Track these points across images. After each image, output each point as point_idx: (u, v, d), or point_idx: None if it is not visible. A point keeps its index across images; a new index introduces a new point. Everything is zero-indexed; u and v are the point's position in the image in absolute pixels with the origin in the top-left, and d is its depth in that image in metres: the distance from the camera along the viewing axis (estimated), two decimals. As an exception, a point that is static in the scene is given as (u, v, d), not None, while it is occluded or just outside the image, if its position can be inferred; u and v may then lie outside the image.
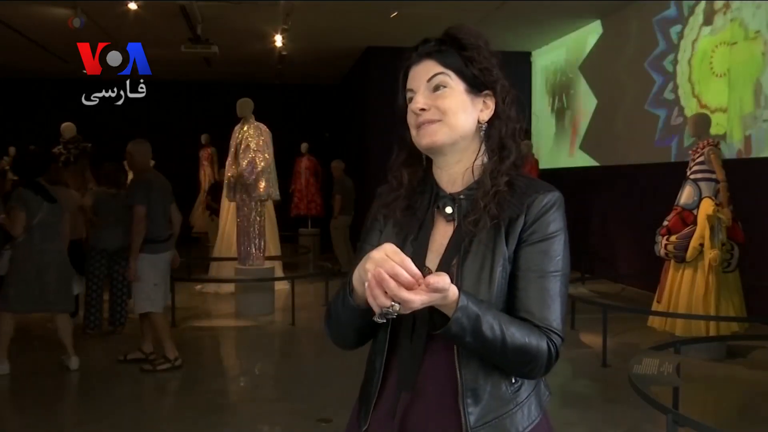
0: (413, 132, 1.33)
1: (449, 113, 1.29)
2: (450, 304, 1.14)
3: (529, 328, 1.22)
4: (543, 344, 1.22)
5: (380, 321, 1.14)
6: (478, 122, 1.33)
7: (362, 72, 11.89)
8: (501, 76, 1.34)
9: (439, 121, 1.29)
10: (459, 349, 1.25)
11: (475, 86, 1.32)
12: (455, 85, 1.31)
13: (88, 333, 6.26)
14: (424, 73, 1.32)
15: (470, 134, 1.33)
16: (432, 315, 1.19)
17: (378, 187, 1.45)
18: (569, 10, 8.99)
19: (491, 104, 1.34)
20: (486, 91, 1.33)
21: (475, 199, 1.29)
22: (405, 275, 1.09)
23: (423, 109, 1.30)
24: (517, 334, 1.19)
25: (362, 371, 1.40)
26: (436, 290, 1.10)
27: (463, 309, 1.15)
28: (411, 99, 1.33)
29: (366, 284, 1.12)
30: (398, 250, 1.13)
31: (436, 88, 1.30)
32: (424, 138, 1.31)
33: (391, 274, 1.09)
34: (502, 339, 1.18)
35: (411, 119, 1.33)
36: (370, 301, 1.12)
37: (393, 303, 1.10)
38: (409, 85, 1.34)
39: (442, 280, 1.10)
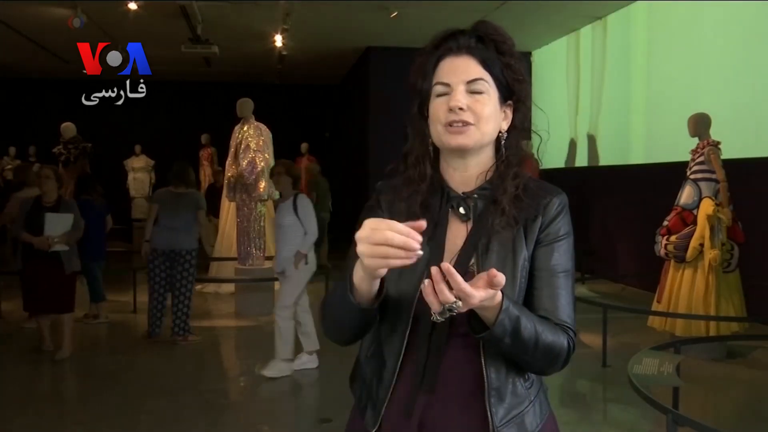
0: (439, 128, 1.29)
1: (483, 120, 1.28)
2: (495, 305, 1.15)
3: (553, 326, 1.25)
4: (564, 341, 1.26)
5: (440, 320, 1.14)
6: (499, 131, 1.33)
7: (362, 72, 11.89)
8: (529, 90, 1.35)
9: (473, 125, 1.28)
10: (485, 350, 1.25)
11: (506, 96, 1.32)
12: (492, 92, 1.30)
13: (151, 340, 5.93)
14: (464, 70, 1.28)
15: (492, 141, 1.33)
16: (470, 319, 1.19)
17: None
18: (569, 10, 8.99)
19: (510, 114, 1.34)
20: (510, 101, 1.33)
21: (495, 200, 1.29)
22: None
23: (461, 109, 1.27)
24: (547, 333, 1.22)
25: (362, 371, 1.39)
26: (499, 284, 1.09)
27: (506, 311, 1.16)
28: (442, 93, 1.29)
29: (425, 282, 1.09)
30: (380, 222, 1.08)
31: (475, 91, 1.28)
32: (454, 138, 1.28)
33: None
34: (536, 338, 1.20)
35: (441, 114, 1.28)
36: (430, 299, 1.09)
37: (456, 300, 1.08)
38: (442, 78, 1.29)
39: (501, 274, 1.09)
